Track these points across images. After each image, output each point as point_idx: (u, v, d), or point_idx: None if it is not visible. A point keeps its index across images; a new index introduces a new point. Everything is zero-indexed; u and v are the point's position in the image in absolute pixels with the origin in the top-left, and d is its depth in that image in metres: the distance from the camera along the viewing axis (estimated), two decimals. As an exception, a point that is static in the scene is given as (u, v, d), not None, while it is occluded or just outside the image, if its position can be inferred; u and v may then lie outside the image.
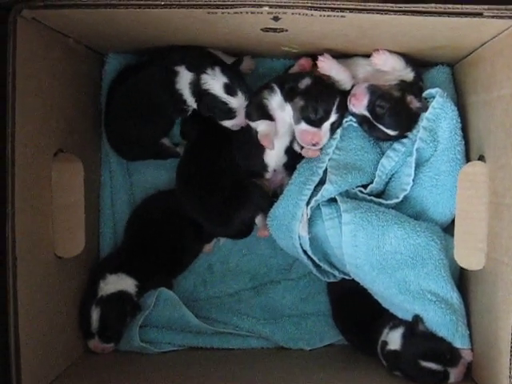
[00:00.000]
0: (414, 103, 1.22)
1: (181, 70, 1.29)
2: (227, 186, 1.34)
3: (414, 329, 1.20)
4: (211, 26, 1.10)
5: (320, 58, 1.24)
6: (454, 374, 1.18)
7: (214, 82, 1.26)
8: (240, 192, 1.33)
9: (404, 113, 1.22)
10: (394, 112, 1.21)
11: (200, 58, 1.29)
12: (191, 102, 1.32)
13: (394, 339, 1.22)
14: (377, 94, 1.21)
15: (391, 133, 1.23)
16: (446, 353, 1.17)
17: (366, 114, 1.22)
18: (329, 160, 1.25)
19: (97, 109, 1.41)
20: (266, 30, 1.11)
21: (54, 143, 1.18)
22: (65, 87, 1.22)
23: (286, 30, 1.10)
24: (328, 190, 1.23)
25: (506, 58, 1.05)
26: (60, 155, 1.18)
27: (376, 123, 1.22)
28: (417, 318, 1.20)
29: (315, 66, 1.28)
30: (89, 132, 1.38)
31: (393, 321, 1.25)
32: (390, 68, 1.24)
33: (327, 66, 1.24)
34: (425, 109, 1.22)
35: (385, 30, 1.10)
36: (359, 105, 1.22)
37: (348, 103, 1.24)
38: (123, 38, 1.25)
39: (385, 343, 1.23)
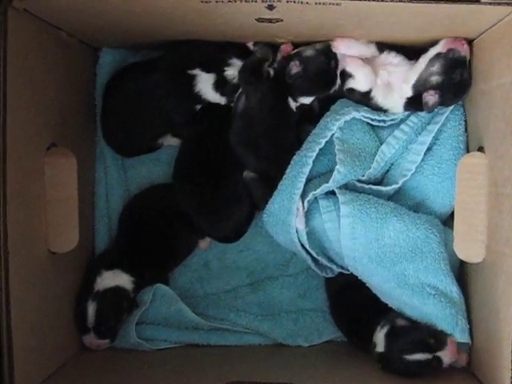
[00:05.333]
0: None
1: (197, 72, 1.28)
2: (223, 187, 1.34)
3: (393, 327, 1.18)
4: (205, 16, 1.08)
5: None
6: (446, 355, 1.14)
7: None
8: (235, 196, 1.34)
9: None
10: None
11: (211, 54, 1.28)
12: (215, 99, 1.31)
13: (379, 341, 1.20)
14: None
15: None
16: (428, 339, 1.14)
17: None
18: (337, 151, 1.22)
19: (91, 104, 1.39)
20: (261, 20, 1.09)
21: (47, 137, 1.16)
22: (58, 81, 1.21)
23: (282, 20, 1.09)
24: (328, 187, 1.21)
25: (505, 46, 1.03)
26: (53, 149, 1.17)
27: None
28: (394, 315, 1.19)
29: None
30: (83, 127, 1.37)
31: (383, 320, 1.22)
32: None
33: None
34: None
35: (381, 19, 1.08)
36: None
37: None
38: (116, 32, 1.23)
39: (374, 345, 1.21)
